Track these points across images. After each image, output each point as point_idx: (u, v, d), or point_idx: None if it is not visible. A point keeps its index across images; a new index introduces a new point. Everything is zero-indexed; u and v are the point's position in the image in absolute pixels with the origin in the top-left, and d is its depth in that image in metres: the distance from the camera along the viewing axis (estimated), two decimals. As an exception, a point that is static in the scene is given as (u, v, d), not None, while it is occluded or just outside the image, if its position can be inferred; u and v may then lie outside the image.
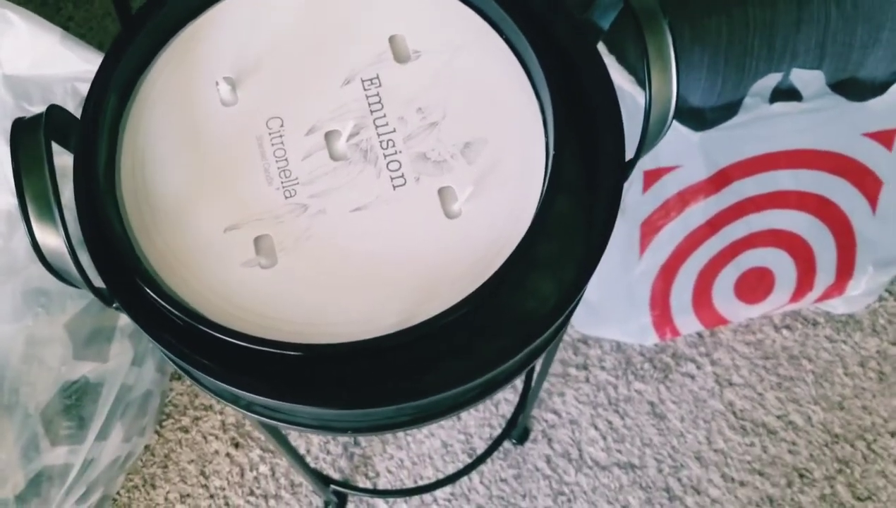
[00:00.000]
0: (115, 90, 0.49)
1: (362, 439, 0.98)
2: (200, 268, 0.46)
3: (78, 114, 0.48)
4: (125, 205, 0.47)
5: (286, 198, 0.48)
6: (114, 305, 0.45)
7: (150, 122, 0.49)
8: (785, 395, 1.02)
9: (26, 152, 0.41)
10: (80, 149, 0.46)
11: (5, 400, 0.60)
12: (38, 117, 0.43)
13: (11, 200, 0.66)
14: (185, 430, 0.98)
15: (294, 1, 0.53)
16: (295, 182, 0.48)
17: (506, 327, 0.47)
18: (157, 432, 0.97)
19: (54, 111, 0.44)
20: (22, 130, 0.42)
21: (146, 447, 0.96)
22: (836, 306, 1.04)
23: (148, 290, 0.43)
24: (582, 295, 0.50)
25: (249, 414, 0.49)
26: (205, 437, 0.98)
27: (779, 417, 1.01)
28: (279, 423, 0.49)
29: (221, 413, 0.99)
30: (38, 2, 1.18)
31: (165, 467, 0.96)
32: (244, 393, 0.44)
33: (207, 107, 0.50)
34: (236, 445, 0.98)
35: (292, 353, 0.43)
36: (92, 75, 0.70)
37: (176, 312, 0.43)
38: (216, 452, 0.97)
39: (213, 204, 0.47)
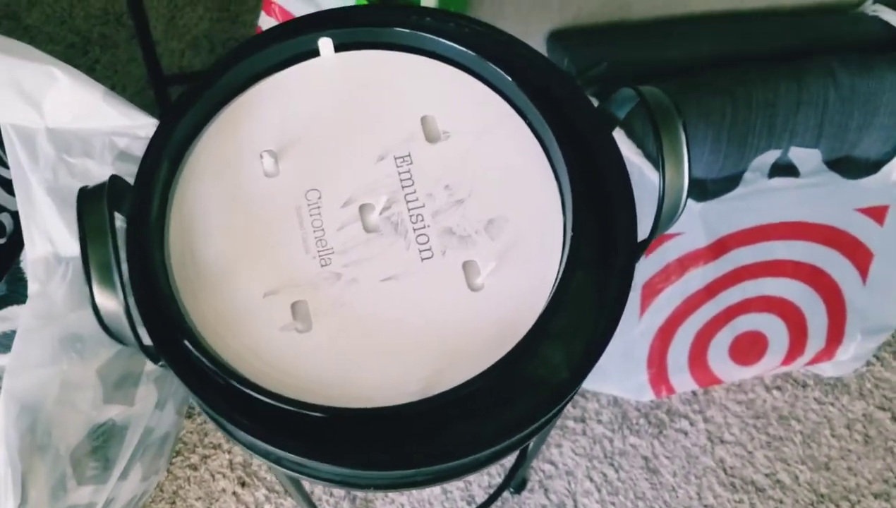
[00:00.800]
0: (166, 159, 0.52)
1: (364, 482, 1.01)
2: (241, 331, 0.49)
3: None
4: (172, 268, 0.50)
5: (322, 266, 0.51)
6: (160, 363, 0.48)
7: (197, 191, 0.53)
8: (774, 454, 1.06)
9: (91, 221, 0.45)
10: (134, 214, 0.50)
11: (38, 440, 0.63)
12: (101, 187, 0.46)
13: (50, 248, 0.69)
14: (194, 468, 1.00)
15: (334, 81, 0.56)
16: (330, 251, 0.51)
17: (521, 397, 0.50)
18: (167, 469, 1.00)
19: (115, 181, 0.48)
20: (87, 200, 0.45)
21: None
22: (826, 370, 1.08)
23: (193, 350, 0.47)
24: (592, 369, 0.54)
25: (278, 467, 0.52)
26: (213, 475, 1.00)
27: (767, 475, 1.05)
28: (305, 477, 0.52)
29: (229, 452, 1.01)
30: (66, 44, 1.22)
31: (174, 504, 0.99)
32: (275, 449, 0.47)
33: (251, 178, 0.53)
34: (243, 484, 1.00)
35: (318, 415, 0.46)
36: (130, 130, 0.75)
37: (217, 371, 0.47)
38: (223, 490, 1.00)
39: (254, 269, 0.51)
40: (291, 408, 0.46)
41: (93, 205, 0.45)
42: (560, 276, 0.51)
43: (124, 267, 0.47)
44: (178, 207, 0.52)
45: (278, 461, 0.51)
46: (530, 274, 0.51)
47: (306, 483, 0.98)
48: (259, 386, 0.47)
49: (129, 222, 0.50)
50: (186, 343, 0.47)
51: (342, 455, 0.47)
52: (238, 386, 0.46)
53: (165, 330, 0.48)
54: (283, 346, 0.49)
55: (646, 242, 0.53)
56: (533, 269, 0.52)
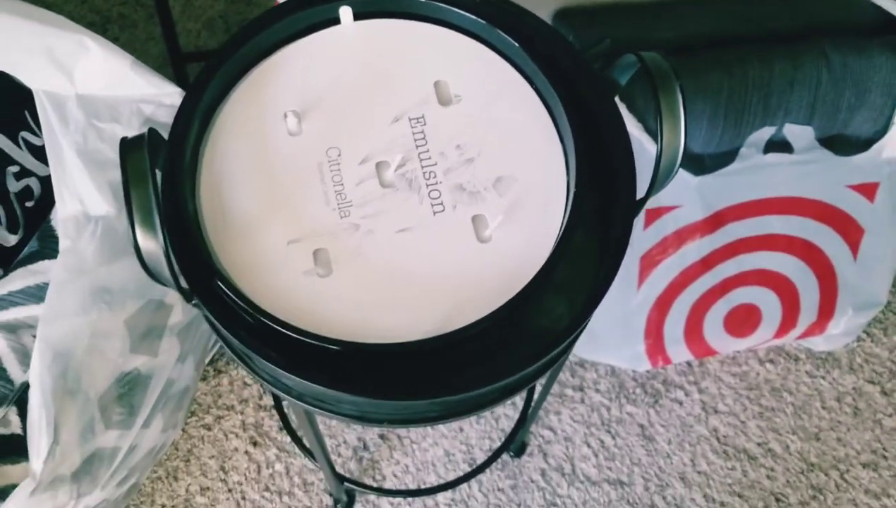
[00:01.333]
0: (197, 118, 0.56)
1: (371, 444, 1.05)
2: (268, 274, 0.53)
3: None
4: (204, 218, 0.54)
5: (341, 218, 0.55)
6: (193, 302, 0.52)
7: (226, 147, 0.56)
8: (766, 424, 1.10)
9: (133, 167, 0.48)
10: (168, 167, 0.54)
11: (70, 385, 0.67)
12: (141, 137, 0.50)
13: (80, 207, 0.73)
14: (208, 428, 1.05)
15: (353, 47, 0.60)
16: (349, 204, 0.55)
17: (525, 340, 0.54)
18: (182, 428, 1.04)
19: (152, 133, 0.51)
20: (128, 148, 0.49)
21: (170, 441, 1.03)
22: (817, 344, 1.12)
23: (226, 290, 0.51)
24: (590, 318, 0.57)
25: (299, 402, 0.56)
26: (226, 435, 1.04)
27: (759, 444, 1.09)
28: (324, 412, 0.56)
29: (242, 413, 1.06)
30: (85, 23, 1.25)
31: (188, 461, 1.03)
32: (298, 379, 0.51)
33: (275, 136, 0.57)
34: (255, 444, 1.05)
35: (334, 348, 0.50)
36: (156, 98, 0.79)
37: (248, 309, 0.50)
38: (236, 449, 1.04)
39: (279, 220, 0.54)
40: (312, 341, 0.50)
41: (134, 153, 0.49)
42: (563, 230, 0.54)
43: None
44: (208, 162, 0.56)
45: (300, 396, 0.55)
46: (535, 228, 0.55)
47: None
48: (284, 321, 0.50)
49: (164, 174, 0.53)
50: (219, 283, 0.51)
51: (356, 385, 0.51)
52: (265, 321, 0.50)
53: (199, 271, 0.52)
54: (305, 289, 0.53)
55: (644, 199, 0.57)
56: (538, 223, 0.55)
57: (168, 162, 0.54)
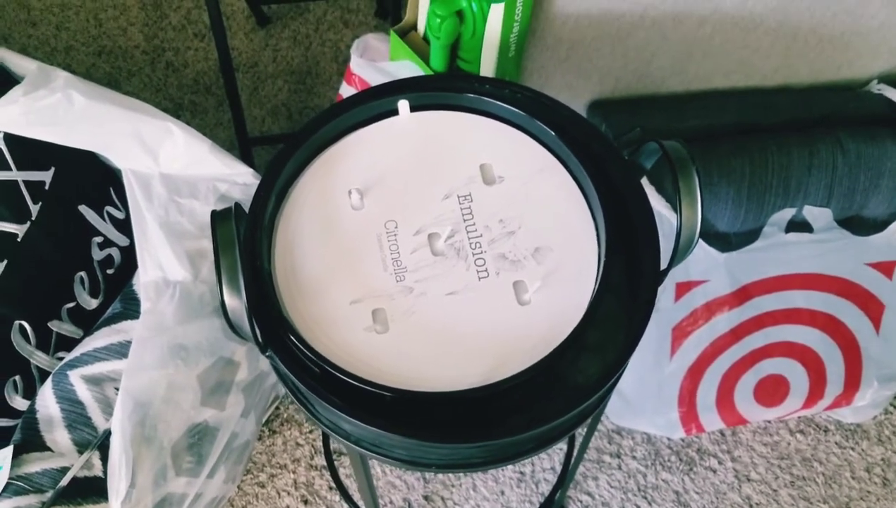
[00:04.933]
0: (273, 194, 0.64)
1: (416, 504, 1.10)
2: (331, 331, 0.60)
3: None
4: (277, 280, 0.62)
5: (397, 281, 0.62)
6: (267, 353, 0.60)
7: (298, 220, 0.65)
8: (797, 493, 1.13)
9: (222, 235, 0.56)
10: (248, 236, 0.62)
11: (147, 433, 0.75)
12: (229, 209, 0.58)
13: (160, 273, 0.81)
14: (262, 485, 1.11)
15: (409, 135, 0.69)
16: (404, 270, 0.63)
17: (560, 392, 0.60)
18: (237, 486, 1.10)
19: (237, 207, 0.60)
20: (218, 219, 0.57)
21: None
22: (846, 415, 1.15)
23: (296, 343, 0.58)
24: (620, 376, 0.63)
25: (356, 447, 0.62)
26: (278, 493, 1.11)
27: (791, 513, 1.12)
28: (378, 456, 0.62)
29: (294, 472, 1.12)
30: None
31: (242, 517, 1.10)
32: (356, 422, 0.58)
33: (340, 210, 0.65)
34: (305, 502, 1.10)
35: (389, 395, 0.57)
36: (230, 178, 0.88)
37: (315, 360, 0.58)
38: (287, 507, 1.10)
39: (343, 283, 0.62)
40: (370, 389, 0.57)
41: (224, 223, 0.57)
42: (594, 295, 0.61)
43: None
44: (282, 232, 0.64)
45: (357, 441, 0.62)
46: (570, 293, 0.62)
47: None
48: (346, 370, 0.58)
49: (245, 242, 0.61)
50: (290, 337, 0.58)
51: (408, 429, 0.57)
52: (330, 370, 0.57)
53: (273, 326, 0.59)
54: (365, 344, 0.60)
55: (666, 271, 0.64)
56: (572, 289, 0.62)
57: (248, 231, 0.62)
